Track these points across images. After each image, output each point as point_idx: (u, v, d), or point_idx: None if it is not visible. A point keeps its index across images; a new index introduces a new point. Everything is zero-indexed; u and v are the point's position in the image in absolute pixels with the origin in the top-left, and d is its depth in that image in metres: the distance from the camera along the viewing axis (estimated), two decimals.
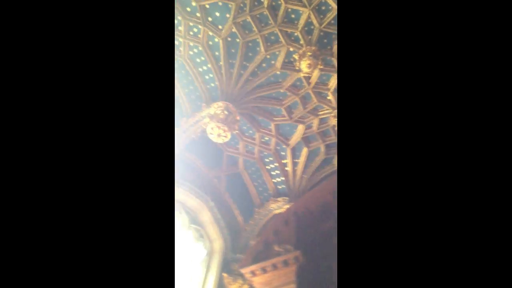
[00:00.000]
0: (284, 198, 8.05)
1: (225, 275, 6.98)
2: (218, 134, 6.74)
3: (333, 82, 7.13)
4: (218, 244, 7.61)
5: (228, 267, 7.17)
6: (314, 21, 6.36)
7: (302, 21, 6.38)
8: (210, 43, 6.77)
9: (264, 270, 5.52)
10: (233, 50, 6.79)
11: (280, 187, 8.47)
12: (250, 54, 6.87)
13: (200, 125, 6.95)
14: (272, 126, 7.91)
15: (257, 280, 5.55)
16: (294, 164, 8.17)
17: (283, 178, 8.32)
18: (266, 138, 8.16)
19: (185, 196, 7.45)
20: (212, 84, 7.23)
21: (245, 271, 5.66)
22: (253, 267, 5.58)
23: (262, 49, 6.72)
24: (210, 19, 6.50)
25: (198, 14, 6.41)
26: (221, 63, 6.85)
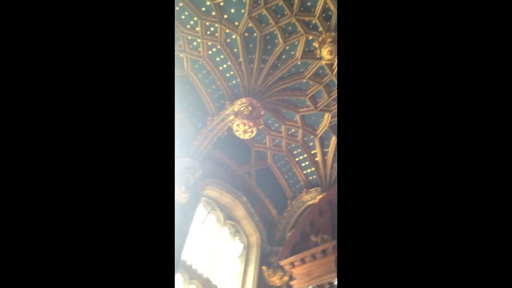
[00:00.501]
0: (316, 188, 7.98)
1: (264, 268, 7.06)
2: (244, 131, 6.79)
3: None
4: (254, 238, 7.71)
5: (267, 260, 7.25)
6: (331, 6, 6.20)
7: (318, 8, 6.24)
8: (228, 40, 6.81)
9: (303, 261, 5.52)
10: (251, 45, 6.79)
11: (311, 178, 8.41)
12: (269, 47, 6.83)
13: (226, 123, 7.04)
14: (297, 118, 7.84)
15: (296, 271, 5.57)
16: (324, 154, 8.06)
17: (314, 169, 8.24)
18: (293, 130, 8.10)
19: (218, 194, 7.60)
20: (234, 81, 7.28)
21: (284, 263, 5.70)
22: (292, 259, 5.61)
23: (281, 40, 6.66)
24: (225, 16, 6.53)
25: (213, 13, 6.46)
26: (241, 59, 6.88)
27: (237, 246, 7.56)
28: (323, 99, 7.52)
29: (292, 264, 5.61)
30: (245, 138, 7.01)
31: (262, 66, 6.97)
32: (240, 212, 7.81)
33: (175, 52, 7.03)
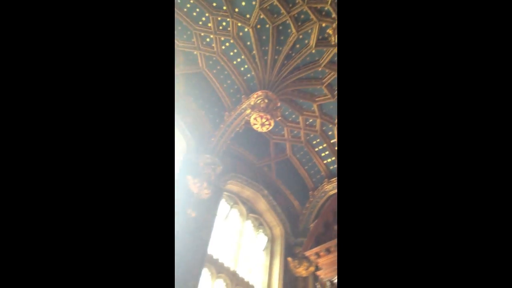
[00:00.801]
0: None
1: (289, 259, 7.09)
2: (262, 123, 6.77)
3: None
4: (278, 230, 7.74)
5: (292, 251, 7.28)
6: None
7: None
8: (241, 34, 6.76)
9: (328, 251, 5.50)
10: (264, 37, 6.72)
11: (332, 167, 8.31)
12: (282, 38, 6.74)
13: (243, 117, 7.04)
14: (315, 107, 7.74)
15: (322, 261, 5.55)
16: None
17: (334, 158, 8.13)
18: (311, 120, 8.01)
19: (239, 188, 7.66)
20: (249, 75, 7.25)
21: (309, 253, 5.70)
22: (317, 249, 5.59)
23: (294, 30, 6.55)
24: (236, 10, 6.47)
25: (224, 7, 6.43)
26: (254, 52, 6.83)
27: (261, 238, 7.62)
28: None
29: (317, 255, 5.60)
30: (263, 131, 6.99)
31: (276, 57, 6.89)
32: (262, 205, 7.85)
33: (189, 50, 7.06)
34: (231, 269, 6.29)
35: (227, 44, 6.96)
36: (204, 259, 5.67)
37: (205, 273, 5.81)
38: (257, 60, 6.85)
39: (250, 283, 6.48)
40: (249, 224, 7.58)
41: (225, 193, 7.29)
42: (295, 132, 8.34)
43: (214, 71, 7.39)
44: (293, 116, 8.10)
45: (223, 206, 7.25)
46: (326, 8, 6.28)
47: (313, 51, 6.86)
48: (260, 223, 7.77)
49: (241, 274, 6.42)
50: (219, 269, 6.09)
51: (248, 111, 6.81)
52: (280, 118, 7.50)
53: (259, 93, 6.81)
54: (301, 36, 6.69)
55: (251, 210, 7.74)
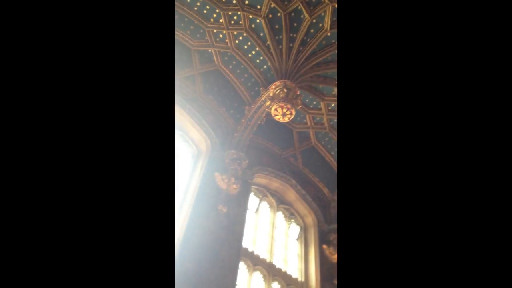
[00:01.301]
0: None
1: (325, 246, 7.07)
2: (283, 114, 6.70)
3: None
4: (310, 219, 7.72)
5: (326, 238, 7.24)
6: None
7: None
8: (253, 26, 6.69)
9: None
10: (277, 26, 6.61)
11: None
12: (295, 24, 6.59)
13: (264, 109, 7.00)
14: (336, 91, 7.55)
15: None
16: None
17: None
18: (333, 105, 7.83)
19: (267, 180, 7.68)
20: (265, 66, 7.18)
21: None
22: None
23: (306, 15, 6.38)
24: (246, 2, 6.40)
25: (234, 1, 6.37)
26: (268, 42, 6.74)
27: (294, 228, 7.63)
28: None
29: None
30: (285, 121, 6.92)
31: (291, 45, 6.76)
32: (291, 195, 7.83)
33: (204, 49, 7.10)
34: (267, 260, 6.37)
35: (241, 37, 6.91)
36: (239, 253, 5.77)
37: (242, 267, 5.92)
38: (272, 50, 6.76)
39: (288, 273, 6.52)
40: (280, 215, 7.60)
41: (253, 186, 7.34)
42: (318, 118, 8.20)
43: (230, 67, 7.39)
44: (314, 102, 7.95)
45: (253, 199, 7.31)
46: None
47: (329, 33, 6.66)
48: (291, 213, 7.77)
49: (278, 265, 6.47)
50: (255, 262, 6.18)
51: (268, 103, 6.76)
52: (301, 106, 7.37)
53: (277, 83, 6.73)
54: (314, 21, 6.51)
55: (281, 201, 7.76)
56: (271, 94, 6.75)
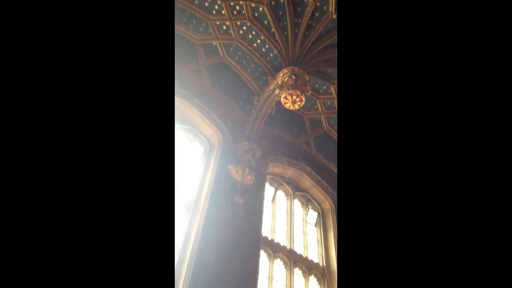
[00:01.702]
0: None
1: None
2: (293, 101, 6.63)
3: None
4: (327, 204, 7.71)
5: None
6: None
7: None
8: (256, 14, 6.60)
9: None
10: (280, 12, 6.49)
11: None
12: (299, 9, 6.45)
13: (273, 98, 6.96)
14: None
15: None
16: None
17: None
18: None
19: (281, 169, 7.69)
20: (271, 54, 7.10)
21: None
22: None
23: None
24: None
25: None
26: (273, 30, 6.64)
27: (312, 214, 7.64)
28: None
29: None
30: (295, 108, 6.85)
31: (296, 30, 6.64)
32: (306, 182, 7.83)
33: (208, 42, 7.07)
34: (287, 247, 6.43)
35: (244, 27, 6.84)
36: (259, 242, 5.84)
37: (263, 255, 6.00)
38: (277, 37, 6.67)
39: (309, 258, 6.58)
40: (297, 202, 7.62)
41: (268, 176, 7.37)
42: (329, 103, 8.09)
43: (236, 58, 7.34)
44: (324, 87, 7.83)
45: (269, 189, 7.35)
46: None
47: (334, 16, 6.49)
48: (308, 200, 7.78)
49: (298, 251, 6.53)
50: (276, 249, 6.25)
51: (277, 91, 6.71)
52: (310, 92, 7.29)
53: (285, 70, 6.65)
54: (318, 4, 6.35)
55: (297, 189, 7.77)
56: (279, 82, 6.68)
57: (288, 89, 6.55)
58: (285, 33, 6.66)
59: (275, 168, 7.62)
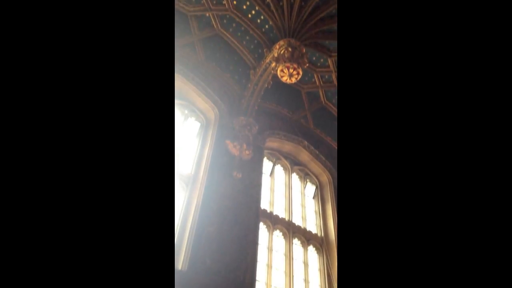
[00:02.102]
0: None
1: None
2: (290, 74, 6.52)
3: None
4: (325, 177, 7.76)
5: None
6: None
7: None
8: None
9: None
10: None
11: None
12: None
13: (270, 72, 6.83)
14: None
15: None
16: None
17: None
18: None
19: (279, 144, 7.67)
20: (267, 26, 6.91)
21: None
22: None
23: None
24: None
25: None
26: (268, 0, 6.43)
27: (310, 188, 7.70)
28: None
29: None
30: (292, 82, 6.74)
31: (292, 1, 6.43)
32: (304, 156, 7.84)
33: (201, 13, 6.85)
34: (286, 219, 6.51)
35: None
36: (258, 214, 5.90)
37: (262, 227, 6.08)
38: (272, 8, 6.47)
39: (307, 229, 6.68)
40: (295, 176, 7.66)
41: (266, 151, 7.36)
42: (326, 76, 7.98)
43: (231, 30, 7.15)
44: (322, 60, 7.69)
45: (267, 163, 7.36)
46: None
47: None
48: (306, 174, 7.82)
49: (297, 222, 6.62)
50: (275, 221, 6.33)
51: (273, 65, 6.58)
52: (307, 65, 7.16)
53: (281, 42, 6.50)
54: None
55: (295, 163, 7.78)
56: (275, 55, 6.54)
57: (284, 62, 6.42)
58: (281, 3, 6.45)
59: (273, 143, 7.60)
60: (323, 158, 7.84)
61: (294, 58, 6.42)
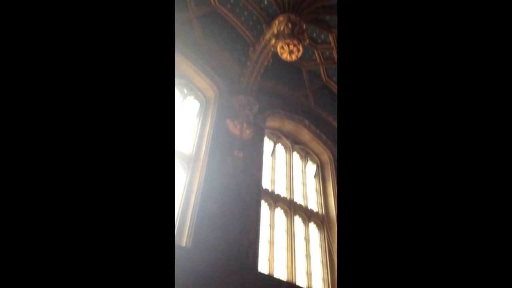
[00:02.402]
0: None
1: None
2: (290, 51, 6.37)
3: None
4: (326, 156, 7.76)
5: None
6: None
7: None
8: None
9: None
10: None
11: None
12: None
13: (269, 49, 6.68)
14: None
15: None
16: None
17: None
18: None
19: (279, 123, 7.63)
20: (266, 1, 6.69)
21: None
22: None
23: None
24: None
25: None
26: None
27: (311, 167, 7.73)
28: None
29: None
30: (292, 59, 6.60)
31: None
32: (305, 135, 7.81)
33: None
34: (288, 198, 6.57)
35: None
36: (260, 193, 5.95)
37: (264, 205, 6.15)
38: None
39: (309, 207, 6.76)
40: (296, 155, 7.67)
41: (266, 130, 7.32)
42: (327, 53, 7.81)
43: (228, 6, 6.93)
44: (322, 36, 7.51)
45: (267, 143, 7.34)
46: None
47: None
48: (306, 153, 7.82)
49: (298, 201, 6.69)
50: (276, 200, 6.40)
51: (273, 41, 6.42)
52: (308, 41, 6.98)
53: (281, 18, 6.32)
54: None
55: (296, 142, 7.77)
56: (275, 31, 6.37)
57: (284, 38, 6.26)
58: None
59: (274, 122, 7.55)
60: (324, 137, 7.81)
61: (294, 35, 6.26)
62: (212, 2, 6.86)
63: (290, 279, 5.45)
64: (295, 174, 7.20)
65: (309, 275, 5.81)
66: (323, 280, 5.94)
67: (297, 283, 5.44)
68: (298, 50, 6.37)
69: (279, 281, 5.08)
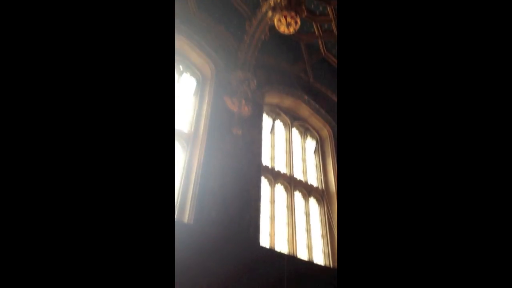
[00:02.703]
0: None
1: None
2: (288, 24, 6.16)
3: None
4: (325, 131, 7.74)
5: None
6: None
7: None
8: None
9: None
10: None
11: None
12: None
13: (266, 22, 6.47)
14: None
15: None
16: None
17: None
18: None
19: (278, 99, 7.53)
20: None
21: None
22: None
23: None
24: None
25: None
26: None
27: (310, 142, 7.72)
28: None
29: None
30: (290, 32, 6.39)
31: None
32: (305, 110, 7.73)
33: None
34: (287, 174, 6.61)
35: None
36: (260, 170, 5.98)
37: (264, 181, 6.20)
38: None
39: (309, 183, 6.82)
40: (295, 131, 7.64)
41: (265, 106, 7.24)
42: (326, 26, 7.58)
43: None
44: (321, 8, 7.25)
45: (266, 120, 7.29)
46: None
47: None
48: (306, 129, 7.78)
49: (298, 177, 6.74)
50: (276, 176, 6.44)
51: (269, 14, 6.20)
52: (306, 13, 6.74)
53: None
54: None
55: (295, 118, 7.71)
56: (271, 4, 6.13)
57: (281, 10, 6.03)
58: None
59: (272, 98, 7.46)
60: (324, 112, 7.75)
61: (291, 6, 6.03)
62: None
63: (291, 252, 5.59)
64: (294, 150, 7.21)
65: (309, 248, 5.95)
66: (324, 252, 6.10)
67: (298, 256, 5.59)
68: (296, 23, 6.16)
69: (280, 254, 5.22)
